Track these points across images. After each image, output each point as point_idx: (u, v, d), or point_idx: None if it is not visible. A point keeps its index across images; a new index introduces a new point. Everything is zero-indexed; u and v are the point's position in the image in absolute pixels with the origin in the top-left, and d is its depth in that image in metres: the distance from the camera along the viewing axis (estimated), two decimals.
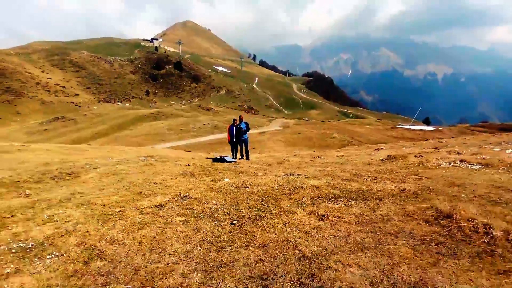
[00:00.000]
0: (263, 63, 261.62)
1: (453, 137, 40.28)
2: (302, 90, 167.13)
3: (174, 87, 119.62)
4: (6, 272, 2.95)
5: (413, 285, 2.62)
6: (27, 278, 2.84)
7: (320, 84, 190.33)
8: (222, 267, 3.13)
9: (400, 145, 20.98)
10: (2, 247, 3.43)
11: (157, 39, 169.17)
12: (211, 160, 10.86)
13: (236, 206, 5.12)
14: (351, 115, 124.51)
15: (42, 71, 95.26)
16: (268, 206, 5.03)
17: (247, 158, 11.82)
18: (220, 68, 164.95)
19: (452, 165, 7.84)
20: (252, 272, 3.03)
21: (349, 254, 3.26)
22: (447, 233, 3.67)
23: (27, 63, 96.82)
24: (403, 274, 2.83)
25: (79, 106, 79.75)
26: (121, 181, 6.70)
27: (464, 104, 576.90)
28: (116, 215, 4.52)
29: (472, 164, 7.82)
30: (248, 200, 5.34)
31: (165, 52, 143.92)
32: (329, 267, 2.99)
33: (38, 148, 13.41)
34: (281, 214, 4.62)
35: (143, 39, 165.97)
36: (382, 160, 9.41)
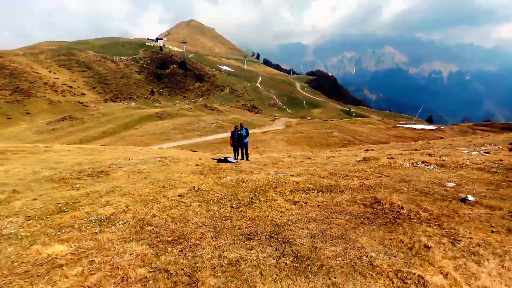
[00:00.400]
0: (266, 62, 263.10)
1: (453, 137, 42.00)
2: (305, 89, 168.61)
3: (179, 87, 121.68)
4: (94, 231, 4.88)
5: (335, 237, 4.51)
6: (109, 235, 4.76)
7: (323, 83, 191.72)
8: (225, 230, 5.00)
9: (390, 146, 22.55)
10: (84, 220, 5.35)
11: (161, 39, 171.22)
12: (216, 160, 12.72)
13: (235, 195, 6.97)
14: (353, 114, 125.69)
15: (50, 71, 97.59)
16: (258, 195, 6.87)
17: (247, 159, 13.70)
18: (224, 67, 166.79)
19: (412, 165, 9.54)
20: (243, 233, 4.89)
21: (305, 223, 5.11)
22: (373, 211, 5.54)
23: (34, 63, 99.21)
24: (332, 233, 4.73)
25: (86, 106, 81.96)
26: (147, 178, 8.59)
27: (469, 102, 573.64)
28: (151, 201, 6.41)
29: (430, 165, 9.50)
30: (244, 192, 7.18)
31: (169, 52, 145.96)
32: (290, 229, 4.87)
33: (60, 149, 15.30)
34: (266, 201, 6.47)
35: (148, 39, 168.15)
36: (358, 161, 11.24)
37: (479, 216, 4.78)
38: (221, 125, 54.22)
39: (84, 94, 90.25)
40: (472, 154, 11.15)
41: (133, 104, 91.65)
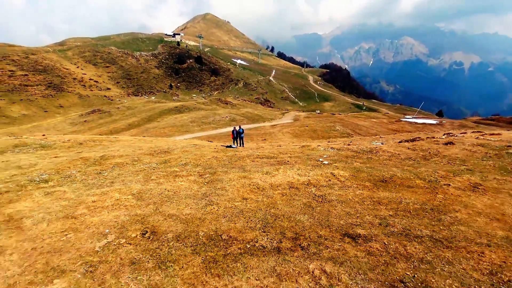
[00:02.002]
0: (281, 55, 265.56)
1: (444, 132, 45.60)
2: (318, 82, 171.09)
3: (195, 81, 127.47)
4: (183, 165, 10.13)
5: (259, 166, 9.57)
6: (191, 167, 10.01)
7: (336, 76, 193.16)
8: (227, 166, 10.17)
9: (371, 139, 27.21)
10: (178, 164, 10.61)
11: (179, 34, 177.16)
12: (225, 146, 18.03)
13: (230, 159, 12.12)
14: (364, 107, 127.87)
15: (77, 67, 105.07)
16: (240, 159, 12.05)
17: (242, 146, 19.13)
18: (238, 61, 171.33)
19: (323, 149, 14.35)
20: (233, 166, 10.07)
21: (252, 166, 10.19)
22: (276, 161, 10.61)
23: (63, 60, 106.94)
24: (257, 165, 9.82)
25: (111, 100, 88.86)
26: (191, 154, 13.85)
27: (491, 95, 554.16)
28: (196, 160, 11.70)
29: (333, 149, 14.25)
30: (235, 158, 12.35)
31: (186, 47, 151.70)
32: (247, 167, 9.96)
33: (126, 139, 20.83)
34: (242, 160, 11.66)
35: (166, 34, 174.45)
36: (299, 147, 16.13)
37: (326, 167, 9.79)
38: (234, 119, 59.30)
39: (109, 89, 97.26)
40: (372, 143, 15.72)
41: (153, 98, 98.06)
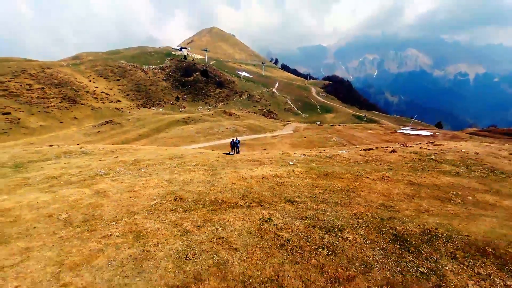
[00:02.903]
0: (284, 67, 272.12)
1: (430, 142, 49.03)
2: (320, 94, 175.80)
3: (201, 93, 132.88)
4: (193, 166, 14.20)
5: (226, 165, 13.63)
6: (197, 166, 14.10)
7: (338, 88, 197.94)
8: (225, 164, 14.22)
9: (345, 148, 31.09)
10: (189, 164, 14.71)
11: (185, 48, 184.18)
12: (225, 153, 22.25)
13: (228, 161, 16.13)
14: (364, 119, 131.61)
15: (90, 80, 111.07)
16: (234, 162, 16.09)
17: (238, 153, 23.38)
18: (243, 73, 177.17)
19: (297, 155, 18.46)
20: (228, 165, 14.13)
21: (242, 166, 14.18)
22: (258, 162, 14.70)
23: (77, 73, 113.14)
24: (238, 165, 13.92)
25: (122, 111, 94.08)
26: (199, 158, 17.99)
27: (497, 106, 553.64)
28: (203, 161, 15.81)
29: (304, 155, 18.43)
30: (231, 161, 16.41)
31: (192, 60, 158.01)
32: (238, 168, 13.98)
33: (145, 148, 25.05)
34: (235, 163, 15.72)
35: (173, 48, 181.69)
36: (281, 154, 20.20)
37: (291, 166, 13.88)
38: (237, 130, 63.58)
39: (120, 101, 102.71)
40: (339, 151, 19.44)
41: (161, 109, 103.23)
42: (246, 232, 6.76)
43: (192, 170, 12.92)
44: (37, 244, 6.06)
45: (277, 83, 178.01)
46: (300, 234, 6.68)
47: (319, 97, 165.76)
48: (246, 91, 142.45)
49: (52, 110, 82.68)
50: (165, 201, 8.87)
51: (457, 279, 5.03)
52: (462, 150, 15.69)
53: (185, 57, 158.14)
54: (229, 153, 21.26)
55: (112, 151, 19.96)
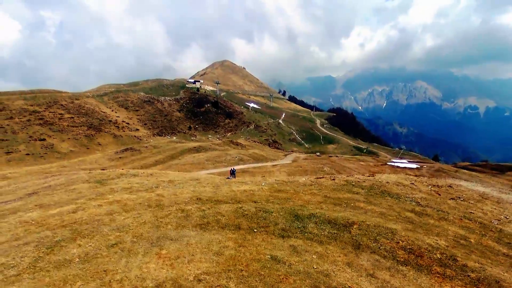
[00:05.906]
0: (292, 98, 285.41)
1: (418, 175, 56.41)
2: (324, 125, 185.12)
3: (211, 123, 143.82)
4: (210, 183, 22.78)
5: (224, 183, 22.07)
6: (209, 185, 22.69)
7: (342, 120, 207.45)
8: (225, 183, 22.69)
9: (314, 176, 38.99)
10: (208, 183, 23.29)
11: (199, 81, 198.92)
12: (226, 178, 30.85)
13: (226, 182, 24.65)
14: (365, 150, 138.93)
15: (112, 110, 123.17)
16: (229, 183, 24.54)
17: (234, 178, 31.90)
18: (251, 104, 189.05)
19: (271, 180, 26.90)
20: (228, 184, 22.67)
21: (234, 185, 22.58)
22: (243, 183, 23.24)
23: (101, 104, 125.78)
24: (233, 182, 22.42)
25: (140, 139, 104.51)
26: (209, 180, 26.57)
27: (508, 139, 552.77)
28: (213, 182, 24.36)
29: (279, 181, 26.91)
30: (229, 182, 24.86)
31: (205, 92, 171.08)
32: (231, 185, 22.42)
33: (171, 173, 33.87)
34: (231, 184, 24.22)
35: (187, 81, 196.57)
36: (261, 177, 28.65)
37: (262, 186, 22.48)
38: (242, 159, 72.22)
39: (138, 129, 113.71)
40: (302, 179, 27.76)
41: (174, 138, 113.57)
42: (230, 212, 15.19)
43: (205, 186, 21.40)
44: (140, 213, 14.59)
45: (284, 114, 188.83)
46: (252, 212, 15.09)
47: (323, 128, 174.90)
48: (253, 121, 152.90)
49: (80, 138, 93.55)
50: (192, 200, 17.37)
51: (316, 231, 13.37)
52: (379, 180, 23.88)
53: (198, 89, 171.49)
54: (228, 178, 29.80)
55: (151, 174, 28.67)
